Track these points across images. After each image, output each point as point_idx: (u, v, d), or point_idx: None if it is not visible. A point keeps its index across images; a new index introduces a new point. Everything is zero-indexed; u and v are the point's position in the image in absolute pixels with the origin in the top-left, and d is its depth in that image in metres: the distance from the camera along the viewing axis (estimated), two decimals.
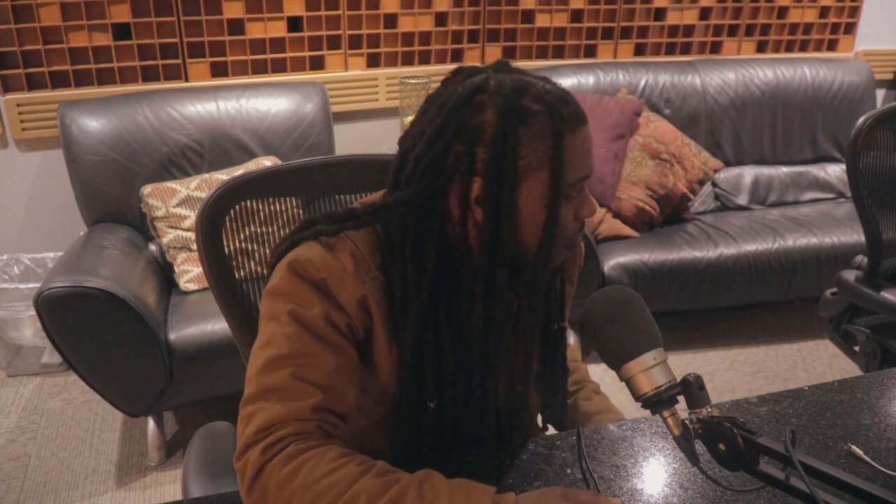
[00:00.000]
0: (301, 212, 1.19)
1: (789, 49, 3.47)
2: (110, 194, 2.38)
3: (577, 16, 3.13)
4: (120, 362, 1.96)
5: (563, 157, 0.86)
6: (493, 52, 3.07)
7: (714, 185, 3.12)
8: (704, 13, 3.29)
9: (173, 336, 2.02)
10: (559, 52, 3.18)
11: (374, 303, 0.91)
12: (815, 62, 3.26)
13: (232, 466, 0.86)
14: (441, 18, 2.96)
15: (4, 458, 2.18)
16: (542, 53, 3.14)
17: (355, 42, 2.87)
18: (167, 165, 2.43)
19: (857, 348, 2.02)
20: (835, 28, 3.48)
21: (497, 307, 0.92)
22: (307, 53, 2.81)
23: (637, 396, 0.82)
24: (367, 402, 0.97)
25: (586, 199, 0.92)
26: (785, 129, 3.22)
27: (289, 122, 2.59)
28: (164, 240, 2.32)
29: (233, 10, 2.66)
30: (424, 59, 2.99)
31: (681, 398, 0.81)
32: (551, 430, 1.15)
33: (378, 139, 3.01)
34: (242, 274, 1.14)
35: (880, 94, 3.68)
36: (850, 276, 1.93)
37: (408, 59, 2.97)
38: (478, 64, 0.94)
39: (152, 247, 2.41)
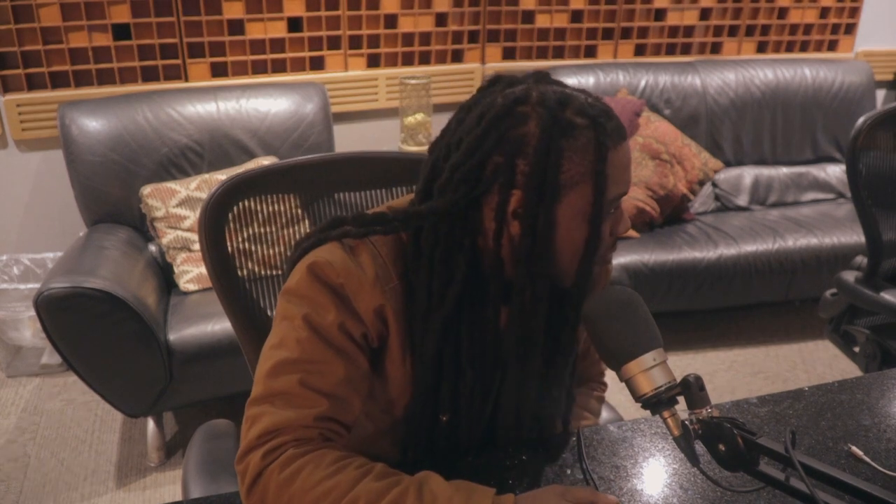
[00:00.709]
0: (300, 211, 1.18)
1: (789, 49, 3.48)
2: (110, 195, 2.38)
3: (577, 16, 3.13)
4: (119, 363, 1.96)
5: (607, 173, 0.84)
6: (493, 53, 3.07)
7: (714, 185, 3.12)
8: (704, 13, 3.29)
9: (173, 336, 2.02)
10: (559, 53, 3.18)
11: (391, 313, 0.89)
12: (816, 63, 3.27)
13: (232, 465, 0.86)
14: (441, 19, 2.96)
15: (4, 459, 2.18)
16: (542, 54, 3.14)
17: (355, 42, 2.87)
18: (167, 166, 2.43)
19: (856, 349, 2.02)
20: (835, 28, 3.48)
21: (532, 321, 0.90)
22: (307, 54, 2.81)
23: (637, 397, 0.82)
24: (374, 409, 0.96)
25: (622, 214, 0.90)
26: (785, 130, 3.22)
27: (288, 123, 2.59)
28: (164, 240, 2.32)
29: (233, 11, 2.66)
30: (424, 59, 2.99)
31: (681, 399, 0.81)
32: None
33: (378, 139, 3.01)
34: (245, 273, 1.14)
35: (880, 94, 3.68)
36: (849, 276, 1.93)
37: (408, 60, 2.97)
38: (516, 75, 0.91)
39: (152, 247, 2.41)
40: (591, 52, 3.22)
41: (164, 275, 2.36)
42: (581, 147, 0.83)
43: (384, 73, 2.92)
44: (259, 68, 2.79)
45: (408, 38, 2.95)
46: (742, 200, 3.13)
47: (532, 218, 0.84)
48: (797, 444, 1.00)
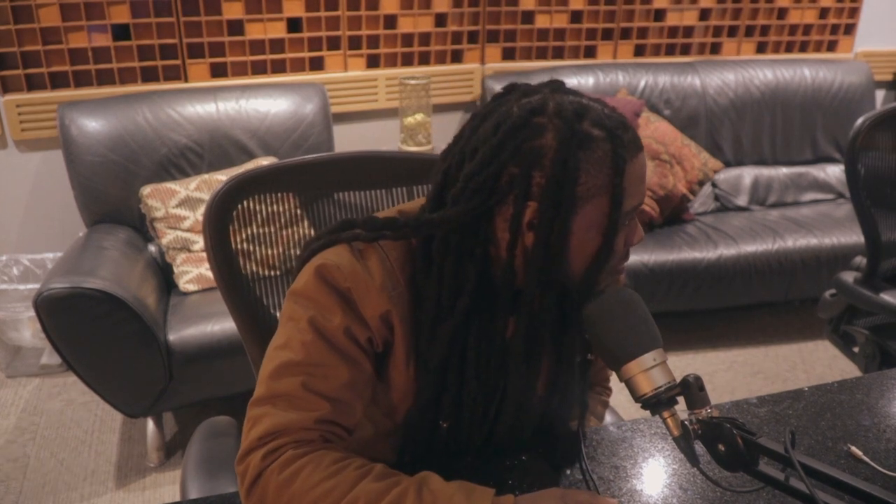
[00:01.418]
0: (300, 210, 1.18)
1: (789, 50, 3.48)
2: (110, 195, 2.38)
3: (576, 17, 3.13)
4: (119, 363, 1.96)
5: (624, 185, 0.83)
6: (493, 53, 3.07)
7: (714, 185, 3.12)
8: (704, 14, 3.29)
9: (173, 337, 2.02)
10: (559, 53, 3.18)
11: (397, 319, 0.89)
12: (815, 63, 3.27)
13: (231, 464, 0.86)
14: (441, 19, 2.96)
15: (3, 459, 2.18)
16: (541, 54, 3.14)
17: (355, 43, 2.87)
18: (166, 166, 2.43)
19: (856, 349, 2.02)
20: (834, 29, 3.48)
21: (540, 330, 0.90)
22: (307, 54, 2.81)
23: (637, 397, 0.82)
24: (376, 413, 0.96)
25: (637, 226, 0.90)
26: (785, 130, 3.22)
27: (288, 123, 2.59)
28: (164, 240, 2.32)
29: (232, 11, 2.66)
30: (424, 59, 2.99)
31: (680, 399, 0.81)
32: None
33: (378, 140, 3.01)
34: (250, 271, 1.13)
35: (880, 94, 3.68)
36: (848, 277, 1.93)
37: (407, 60, 2.97)
38: (530, 83, 0.90)
39: (152, 247, 2.41)
40: (590, 52, 3.22)
41: (164, 275, 2.36)
42: (598, 159, 0.82)
43: (384, 73, 2.92)
44: (259, 69, 2.79)
45: (407, 39, 2.95)
46: (742, 201, 3.13)
47: (547, 229, 0.83)
48: (797, 444, 1.00)
